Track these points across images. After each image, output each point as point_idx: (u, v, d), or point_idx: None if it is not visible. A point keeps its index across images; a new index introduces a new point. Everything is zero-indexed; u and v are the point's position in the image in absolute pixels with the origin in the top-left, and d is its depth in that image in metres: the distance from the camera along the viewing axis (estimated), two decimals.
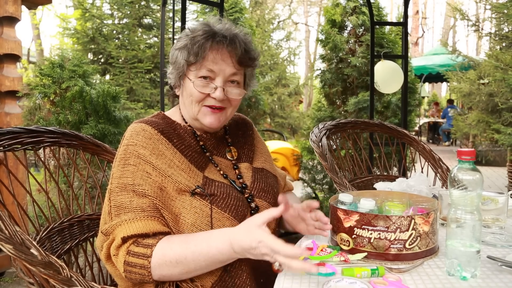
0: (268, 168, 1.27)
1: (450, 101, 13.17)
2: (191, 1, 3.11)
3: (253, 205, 1.12)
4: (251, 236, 0.86)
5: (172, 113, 1.20)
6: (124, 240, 0.94)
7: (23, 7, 3.12)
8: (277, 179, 1.29)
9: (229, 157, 1.20)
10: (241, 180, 1.16)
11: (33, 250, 0.85)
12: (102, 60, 7.64)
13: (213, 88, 1.08)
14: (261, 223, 0.88)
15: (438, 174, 2.03)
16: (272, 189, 1.20)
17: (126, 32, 7.53)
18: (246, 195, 1.12)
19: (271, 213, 0.90)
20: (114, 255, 0.96)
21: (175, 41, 1.17)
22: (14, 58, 2.88)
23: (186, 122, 1.17)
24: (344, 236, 0.97)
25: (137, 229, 0.94)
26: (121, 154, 1.04)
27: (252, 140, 1.31)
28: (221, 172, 1.14)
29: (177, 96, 1.19)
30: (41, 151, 1.31)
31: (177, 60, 1.11)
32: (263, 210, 1.02)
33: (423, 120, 13.21)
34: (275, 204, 1.16)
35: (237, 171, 1.18)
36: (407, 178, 1.66)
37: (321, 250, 0.97)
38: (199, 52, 1.06)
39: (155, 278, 0.94)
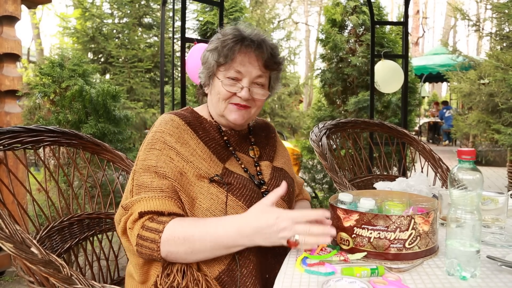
0: (287, 170, 1.32)
1: (445, 103, 13.22)
2: (191, 1, 3.11)
3: None
4: (267, 215, 0.93)
5: (200, 109, 1.26)
6: (141, 215, 1.00)
7: (23, 6, 3.12)
8: (293, 182, 1.32)
9: (251, 155, 1.25)
10: (260, 177, 1.21)
11: (33, 249, 0.85)
12: (102, 60, 7.64)
13: (240, 88, 1.15)
14: (271, 203, 0.95)
15: (438, 174, 2.03)
16: (288, 188, 1.22)
17: (126, 32, 7.52)
18: (262, 190, 1.16)
19: (277, 192, 0.97)
20: (129, 228, 1.01)
21: (207, 44, 1.23)
22: (14, 57, 2.88)
23: (212, 119, 1.24)
24: (344, 235, 0.97)
25: (154, 206, 1.00)
26: (149, 139, 1.12)
27: (274, 142, 1.38)
28: (242, 166, 1.19)
29: (206, 95, 1.26)
30: (41, 150, 1.31)
31: (208, 60, 1.19)
32: (277, 207, 1.04)
33: (423, 120, 13.22)
34: (289, 203, 1.23)
35: (257, 168, 1.23)
36: (407, 178, 1.66)
37: (321, 249, 0.97)
38: (228, 54, 1.13)
39: (163, 255, 0.98)
